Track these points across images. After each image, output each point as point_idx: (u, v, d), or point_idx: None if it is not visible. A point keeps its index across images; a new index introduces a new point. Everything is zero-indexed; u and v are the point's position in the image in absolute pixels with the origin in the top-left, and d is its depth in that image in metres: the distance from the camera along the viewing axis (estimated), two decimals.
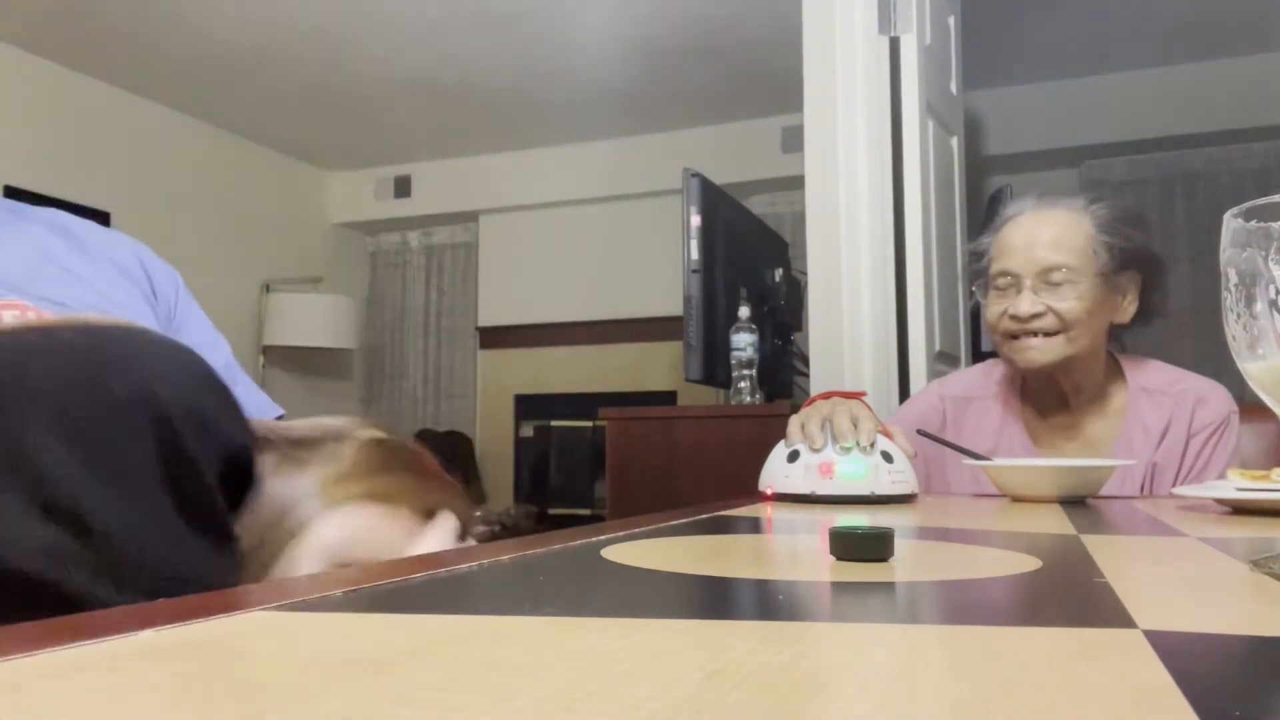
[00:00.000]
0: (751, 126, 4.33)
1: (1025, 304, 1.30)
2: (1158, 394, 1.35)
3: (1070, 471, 1.08)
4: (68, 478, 0.42)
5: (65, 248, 0.84)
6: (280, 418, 0.94)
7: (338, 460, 0.64)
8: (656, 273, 4.43)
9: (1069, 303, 1.29)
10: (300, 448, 0.64)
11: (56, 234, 0.85)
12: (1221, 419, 1.32)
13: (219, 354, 0.92)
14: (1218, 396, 1.34)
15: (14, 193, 3.38)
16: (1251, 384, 0.51)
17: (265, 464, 0.57)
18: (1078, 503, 1.03)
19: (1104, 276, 1.31)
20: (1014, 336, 1.33)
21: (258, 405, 0.92)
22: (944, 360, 2.29)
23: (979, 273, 1.42)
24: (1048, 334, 1.30)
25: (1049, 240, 1.31)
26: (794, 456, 1.06)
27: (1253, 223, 0.48)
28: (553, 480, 4.54)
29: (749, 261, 2.51)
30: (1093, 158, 4.11)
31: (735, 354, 2.23)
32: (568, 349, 4.82)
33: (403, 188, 5.03)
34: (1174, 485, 1.30)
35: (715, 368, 2.26)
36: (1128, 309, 1.35)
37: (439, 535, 0.64)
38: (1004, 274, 1.33)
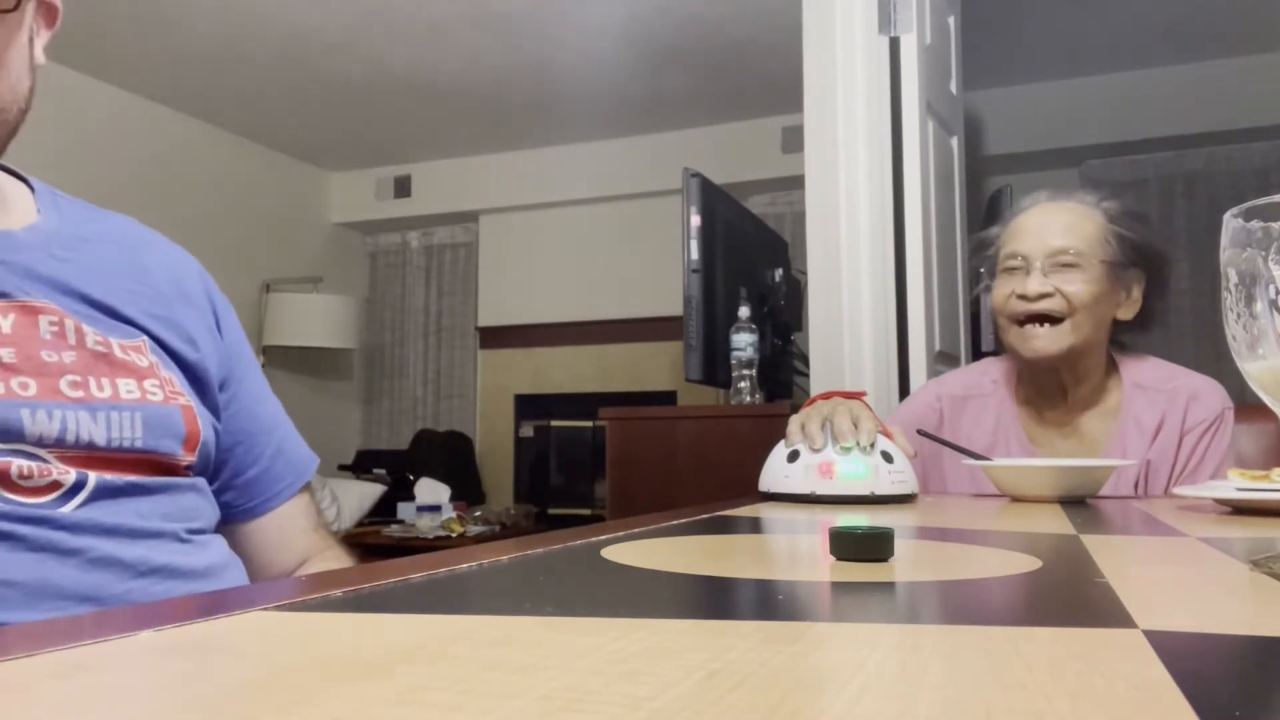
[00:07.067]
0: (751, 126, 4.33)
1: (1034, 283, 1.31)
2: (1151, 390, 1.35)
3: (1070, 471, 1.08)
4: None
5: (128, 264, 0.82)
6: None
7: None
8: (656, 273, 4.42)
9: (1077, 286, 1.30)
10: None
11: (119, 244, 0.83)
12: (1215, 416, 1.32)
13: (274, 402, 0.92)
14: (1211, 393, 1.34)
15: None
16: (1251, 384, 0.51)
17: None
18: (1077, 502, 1.03)
19: (1111, 266, 1.32)
20: (1020, 323, 1.34)
21: (304, 456, 0.92)
22: (944, 360, 2.29)
23: (986, 260, 1.43)
24: (1053, 321, 1.31)
25: (1062, 226, 1.33)
26: (794, 456, 1.07)
27: (1253, 223, 0.48)
28: (553, 480, 4.53)
29: (749, 261, 2.51)
30: (1093, 158, 4.11)
31: (735, 354, 2.23)
32: (568, 349, 4.82)
33: (403, 188, 5.03)
34: (1168, 482, 1.31)
35: (715, 368, 2.26)
36: (1131, 306, 1.36)
37: None
38: (1014, 255, 1.35)
